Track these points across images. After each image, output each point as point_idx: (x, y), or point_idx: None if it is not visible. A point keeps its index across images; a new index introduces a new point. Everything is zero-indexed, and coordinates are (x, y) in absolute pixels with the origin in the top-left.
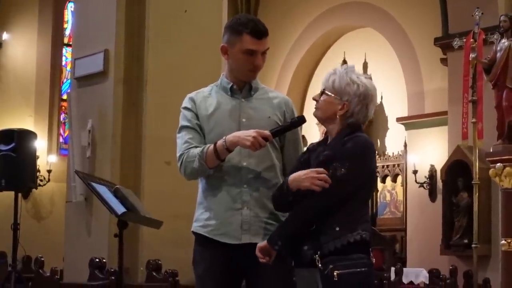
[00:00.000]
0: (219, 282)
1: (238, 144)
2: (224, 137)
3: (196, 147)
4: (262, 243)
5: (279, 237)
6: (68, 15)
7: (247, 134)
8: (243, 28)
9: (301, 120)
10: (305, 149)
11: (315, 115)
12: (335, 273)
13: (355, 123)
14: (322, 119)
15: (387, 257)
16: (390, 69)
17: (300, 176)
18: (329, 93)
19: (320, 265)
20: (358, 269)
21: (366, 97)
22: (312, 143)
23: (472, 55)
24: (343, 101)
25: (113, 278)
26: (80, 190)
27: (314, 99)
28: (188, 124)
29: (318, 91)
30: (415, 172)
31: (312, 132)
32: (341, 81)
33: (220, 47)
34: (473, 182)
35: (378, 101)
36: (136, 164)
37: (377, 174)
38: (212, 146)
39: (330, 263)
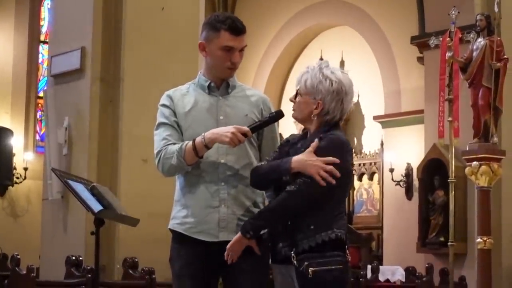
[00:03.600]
0: (196, 279)
1: (217, 140)
2: (203, 134)
3: (174, 143)
4: (235, 238)
5: (252, 228)
6: (45, 12)
7: (226, 130)
8: (221, 24)
9: (279, 114)
10: (285, 139)
11: (293, 116)
12: (310, 270)
13: (331, 121)
14: (300, 120)
15: (364, 255)
16: (366, 68)
17: (305, 161)
18: (303, 94)
19: (295, 262)
20: (333, 267)
21: (339, 92)
22: (293, 134)
23: (448, 54)
24: (317, 100)
25: (89, 276)
26: (56, 188)
27: (290, 100)
28: (165, 121)
29: (295, 90)
30: (391, 170)
31: (289, 129)
32: (313, 80)
33: (198, 44)
34: (449, 180)
35: (355, 99)
36: (113, 161)
37: (354, 172)
38: (190, 142)
39: (305, 260)
